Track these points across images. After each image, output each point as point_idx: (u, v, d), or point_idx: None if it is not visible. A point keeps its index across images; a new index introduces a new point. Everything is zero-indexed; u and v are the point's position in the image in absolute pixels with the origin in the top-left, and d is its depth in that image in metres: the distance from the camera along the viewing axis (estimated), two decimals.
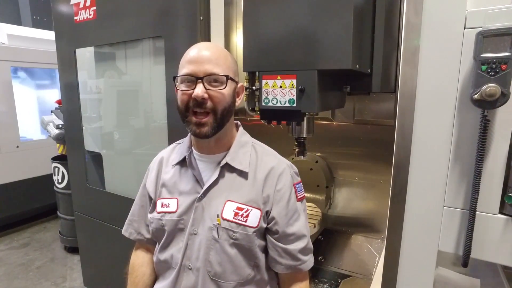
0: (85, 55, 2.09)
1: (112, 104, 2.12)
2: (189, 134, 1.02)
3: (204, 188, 0.94)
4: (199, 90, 0.85)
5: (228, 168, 0.95)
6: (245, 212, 0.91)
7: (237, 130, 1.04)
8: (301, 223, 0.97)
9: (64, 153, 3.20)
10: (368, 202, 2.03)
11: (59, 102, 3.33)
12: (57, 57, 2.15)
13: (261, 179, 0.94)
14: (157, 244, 1.04)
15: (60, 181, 3.14)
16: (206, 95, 0.86)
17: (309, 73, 1.13)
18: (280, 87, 1.19)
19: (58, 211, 3.25)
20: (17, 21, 4.89)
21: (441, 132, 0.88)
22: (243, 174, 0.94)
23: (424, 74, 0.88)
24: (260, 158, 0.99)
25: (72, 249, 3.20)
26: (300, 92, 1.15)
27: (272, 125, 1.34)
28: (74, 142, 2.23)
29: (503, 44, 0.72)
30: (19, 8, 5.07)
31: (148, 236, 1.07)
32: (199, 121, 0.87)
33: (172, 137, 1.62)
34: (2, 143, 3.54)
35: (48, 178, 3.52)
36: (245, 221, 0.91)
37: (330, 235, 2.14)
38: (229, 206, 0.92)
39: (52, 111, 3.34)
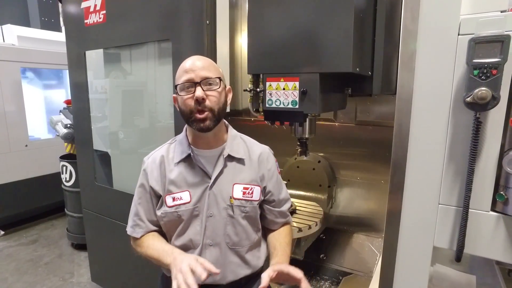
0: (91, 56, 2.14)
1: (120, 104, 2.18)
2: (184, 135, 1.17)
3: (213, 177, 1.10)
4: (199, 92, 1.02)
5: (228, 158, 1.13)
6: (250, 190, 1.13)
7: (226, 127, 1.21)
8: (285, 189, 1.27)
9: (72, 152, 3.27)
10: (369, 201, 2.07)
11: (67, 102, 3.40)
12: (67, 59, 2.22)
13: (255, 162, 1.17)
14: (172, 234, 1.15)
15: (68, 179, 3.21)
16: (204, 96, 1.03)
17: (311, 76, 1.18)
18: (283, 89, 1.23)
19: (65, 209, 3.32)
20: (26, 23, 4.97)
21: (436, 133, 0.92)
22: (240, 161, 1.15)
23: (420, 78, 0.92)
24: (250, 146, 1.20)
25: (79, 246, 3.27)
26: (303, 94, 1.19)
27: (275, 125, 1.39)
28: (83, 141, 2.29)
29: (493, 50, 0.76)
30: (28, 10, 5.16)
31: (154, 229, 1.18)
32: (202, 117, 1.03)
33: None
34: (12, 142, 3.62)
35: (56, 176, 3.59)
36: (251, 197, 1.13)
37: (332, 234, 2.17)
38: (237, 188, 1.12)
39: (60, 111, 3.41)
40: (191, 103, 1.03)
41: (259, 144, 1.25)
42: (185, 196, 1.10)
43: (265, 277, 0.99)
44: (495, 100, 0.78)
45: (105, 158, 2.28)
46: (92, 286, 2.64)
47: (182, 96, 1.05)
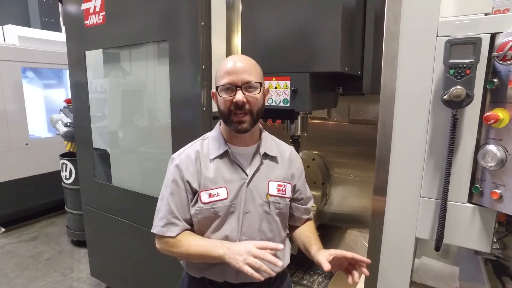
0: (91, 56, 2.19)
1: (119, 103, 2.23)
2: (218, 131, 1.17)
3: (250, 174, 1.11)
4: (239, 96, 1.02)
5: (263, 155, 1.15)
6: (283, 187, 1.15)
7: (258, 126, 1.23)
8: (308, 187, 1.30)
9: (72, 150, 3.32)
10: (362, 198, 2.11)
11: (67, 101, 3.44)
12: (68, 59, 2.26)
13: (286, 161, 1.19)
14: (204, 232, 1.12)
15: (67, 177, 3.26)
16: (245, 99, 1.03)
17: (302, 75, 1.23)
18: (275, 88, 1.29)
19: (65, 206, 3.36)
20: (26, 23, 5.02)
21: (417, 129, 0.97)
22: (274, 159, 1.17)
23: (402, 77, 0.98)
24: (280, 146, 1.22)
25: (79, 243, 3.32)
26: (294, 92, 1.25)
27: (268, 123, 1.44)
28: (83, 139, 2.34)
29: (467, 51, 0.82)
30: (28, 10, 5.20)
31: (189, 228, 1.13)
32: (240, 119, 1.04)
33: (176, 135, 1.72)
34: (13, 141, 3.66)
35: (56, 174, 3.64)
36: (285, 194, 1.15)
37: (326, 230, 2.22)
38: (272, 185, 1.13)
39: (60, 110, 3.45)
40: (231, 105, 1.03)
41: (286, 144, 1.27)
42: (222, 192, 1.09)
43: (325, 261, 1.03)
44: (469, 98, 0.83)
45: (104, 156, 2.33)
46: (91, 281, 2.69)
47: (223, 97, 1.05)
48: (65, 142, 3.35)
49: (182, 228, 1.11)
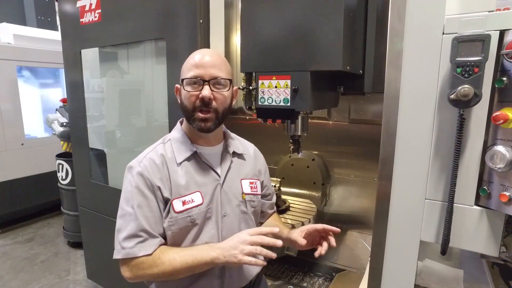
0: (88, 55, 2.15)
1: (115, 103, 2.19)
2: (181, 133, 1.08)
3: (223, 175, 1.07)
4: (206, 91, 0.96)
5: (232, 154, 1.13)
6: (255, 184, 1.14)
7: None
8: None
9: (68, 150, 3.28)
10: (362, 199, 2.09)
11: (63, 100, 3.41)
12: (63, 58, 2.23)
13: (252, 158, 1.19)
14: (179, 245, 1.02)
15: (64, 177, 3.22)
16: (212, 96, 0.97)
17: (302, 74, 1.20)
18: (275, 87, 1.25)
19: (61, 207, 3.33)
20: (22, 21, 4.97)
21: (422, 129, 0.94)
22: (241, 157, 1.15)
23: (407, 76, 0.95)
24: (243, 144, 1.21)
25: (76, 244, 3.28)
26: (294, 92, 1.22)
27: (268, 123, 1.41)
28: (79, 139, 2.31)
29: (475, 49, 0.79)
30: (24, 9, 5.15)
31: (164, 242, 1.01)
32: (205, 117, 0.98)
33: None
34: (8, 141, 3.62)
35: (52, 175, 3.60)
36: (257, 191, 1.14)
37: None
38: (244, 183, 1.11)
39: (56, 109, 3.42)
40: (196, 100, 0.97)
41: (247, 141, 1.26)
42: (196, 198, 1.00)
43: (299, 238, 1.05)
44: (477, 97, 0.80)
45: (100, 156, 2.30)
46: (88, 283, 2.66)
47: (188, 91, 0.98)
48: (62, 142, 3.32)
49: (159, 243, 0.97)
